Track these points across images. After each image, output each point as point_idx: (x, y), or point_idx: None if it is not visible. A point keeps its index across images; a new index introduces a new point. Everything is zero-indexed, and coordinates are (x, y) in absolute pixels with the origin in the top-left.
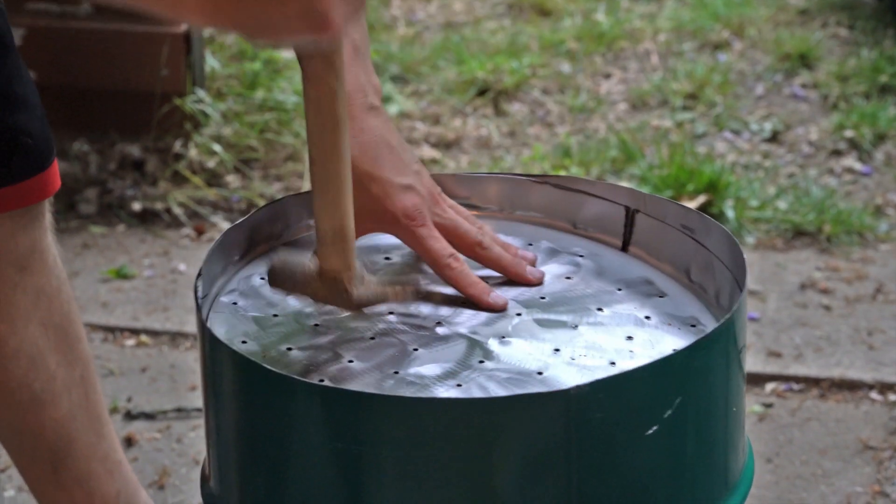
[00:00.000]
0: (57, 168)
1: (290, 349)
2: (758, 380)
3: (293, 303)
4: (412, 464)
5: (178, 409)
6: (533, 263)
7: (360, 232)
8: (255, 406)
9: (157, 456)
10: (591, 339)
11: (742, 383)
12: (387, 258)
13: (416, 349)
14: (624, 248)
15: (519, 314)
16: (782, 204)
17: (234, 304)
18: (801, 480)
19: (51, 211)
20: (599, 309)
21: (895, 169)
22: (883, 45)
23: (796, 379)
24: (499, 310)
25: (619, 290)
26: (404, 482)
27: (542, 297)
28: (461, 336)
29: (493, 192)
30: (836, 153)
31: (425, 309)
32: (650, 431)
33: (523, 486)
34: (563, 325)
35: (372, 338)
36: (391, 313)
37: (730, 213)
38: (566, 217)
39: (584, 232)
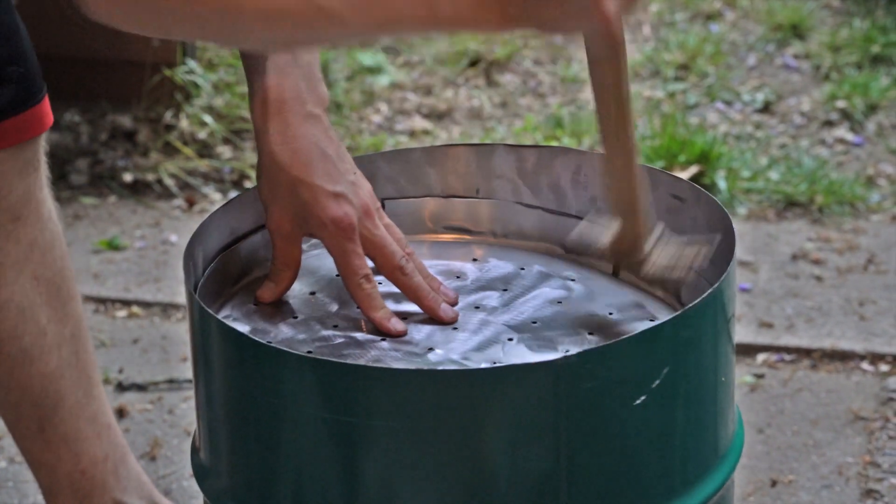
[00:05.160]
0: (48, 103)
1: None
2: (749, 350)
3: (286, 330)
4: (403, 435)
5: (170, 381)
6: (453, 303)
7: (290, 237)
8: (245, 379)
9: (148, 427)
10: None
11: (731, 353)
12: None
13: None
14: (615, 272)
15: (510, 339)
16: (774, 175)
17: None
18: (792, 451)
19: (45, 163)
20: (590, 333)
21: (887, 139)
22: (875, 14)
23: (788, 349)
24: (397, 335)
25: (610, 314)
26: (395, 453)
27: (534, 322)
28: (453, 361)
29: (485, 216)
30: (828, 124)
31: (418, 335)
32: (639, 401)
33: (514, 456)
34: (554, 349)
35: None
36: (384, 340)
37: (721, 184)
38: (557, 241)
39: (576, 257)
